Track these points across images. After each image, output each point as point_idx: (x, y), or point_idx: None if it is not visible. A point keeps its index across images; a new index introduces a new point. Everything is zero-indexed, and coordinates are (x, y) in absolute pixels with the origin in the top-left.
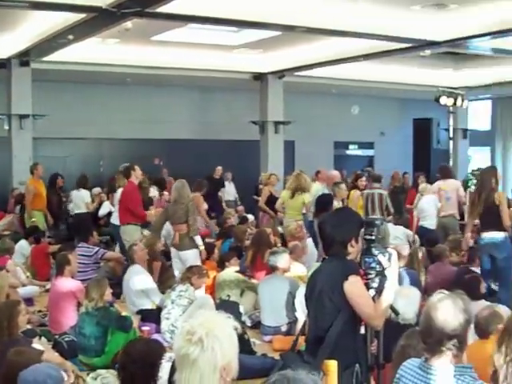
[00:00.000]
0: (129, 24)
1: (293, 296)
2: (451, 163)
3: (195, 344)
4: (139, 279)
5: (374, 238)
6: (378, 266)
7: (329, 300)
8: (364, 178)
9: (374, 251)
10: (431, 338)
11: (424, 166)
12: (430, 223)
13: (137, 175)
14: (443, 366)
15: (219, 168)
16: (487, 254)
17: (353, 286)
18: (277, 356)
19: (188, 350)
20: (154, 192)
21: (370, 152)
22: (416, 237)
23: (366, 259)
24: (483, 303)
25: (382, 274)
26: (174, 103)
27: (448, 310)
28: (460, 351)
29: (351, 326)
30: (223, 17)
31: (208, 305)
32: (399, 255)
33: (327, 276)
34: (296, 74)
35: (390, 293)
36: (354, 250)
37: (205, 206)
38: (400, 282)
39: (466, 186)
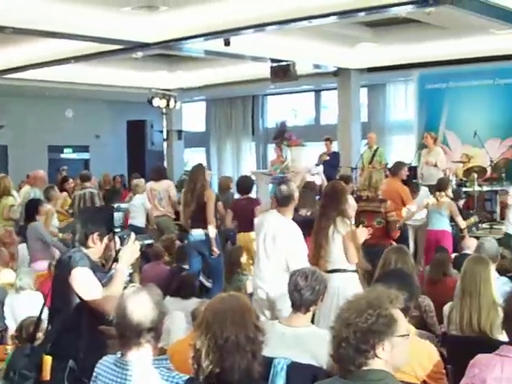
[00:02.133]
0: None
1: (2, 304)
2: (166, 164)
3: None
4: None
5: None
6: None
7: (58, 297)
8: (71, 180)
9: (116, 237)
10: (129, 332)
11: (139, 167)
12: (140, 221)
13: None
14: (140, 359)
15: None
16: (196, 251)
17: (74, 279)
18: None
19: None
20: None
21: (85, 155)
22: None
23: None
24: (195, 301)
25: (116, 258)
26: None
27: (145, 303)
28: (157, 343)
29: (74, 322)
30: None
31: None
32: None
33: (58, 274)
34: (5, 76)
35: (118, 275)
36: (96, 246)
37: None
38: None
39: (181, 186)
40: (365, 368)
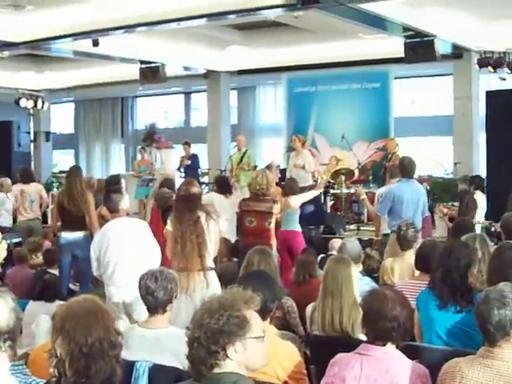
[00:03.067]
0: None
1: None
2: (33, 166)
3: None
4: None
5: None
6: None
7: None
8: None
9: None
10: None
11: (5, 169)
12: (8, 222)
13: None
14: None
15: None
16: (70, 254)
17: None
18: None
19: None
20: None
21: None
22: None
23: None
24: (59, 303)
25: None
26: None
27: (2, 310)
28: (14, 349)
29: None
30: None
31: None
32: None
33: None
34: None
35: None
36: None
37: None
38: None
39: (49, 188)
40: (217, 370)
